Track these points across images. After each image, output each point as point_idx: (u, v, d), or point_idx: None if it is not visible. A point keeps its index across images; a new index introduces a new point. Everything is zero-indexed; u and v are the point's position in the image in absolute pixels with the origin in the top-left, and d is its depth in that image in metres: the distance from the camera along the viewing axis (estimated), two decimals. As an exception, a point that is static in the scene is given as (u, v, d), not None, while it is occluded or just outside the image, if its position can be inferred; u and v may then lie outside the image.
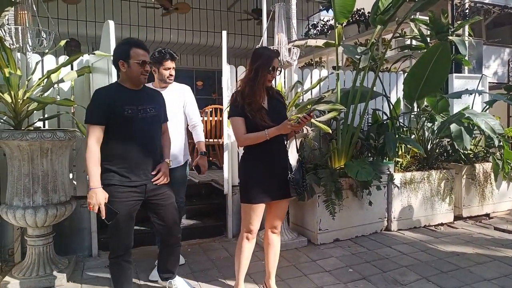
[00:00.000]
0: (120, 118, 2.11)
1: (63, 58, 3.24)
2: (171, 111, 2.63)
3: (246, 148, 2.28)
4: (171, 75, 2.81)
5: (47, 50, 3.05)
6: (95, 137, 2.09)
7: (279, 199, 2.30)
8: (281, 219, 2.41)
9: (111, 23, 2.94)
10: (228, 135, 3.81)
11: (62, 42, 3.07)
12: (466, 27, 5.14)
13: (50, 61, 3.25)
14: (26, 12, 2.89)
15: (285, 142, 2.32)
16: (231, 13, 7.67)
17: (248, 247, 2.32)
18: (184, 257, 3.16)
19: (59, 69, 2.96)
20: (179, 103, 2.90)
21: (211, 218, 4.09)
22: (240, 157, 2.49)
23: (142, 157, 2.18)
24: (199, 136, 3.00)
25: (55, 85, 3.08)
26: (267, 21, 3.97)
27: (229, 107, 2.27)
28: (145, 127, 2.19)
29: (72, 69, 3.25)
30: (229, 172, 3.80)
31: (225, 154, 3.80)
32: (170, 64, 2.80)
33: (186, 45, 7.59)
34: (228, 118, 2.27)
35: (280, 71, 2.30)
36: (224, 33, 3.60)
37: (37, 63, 2.98)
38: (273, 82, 2.42)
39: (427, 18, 4.63)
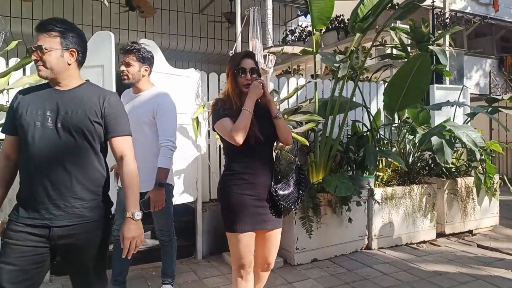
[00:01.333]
0: (21, 127, 1.62)
1: (14, 61, 3.14)
2: (137, 122, 2.41)
3: (225, 165, 2.12)
4: (122, 71, 2.56)
5: (-5, 51, 2.96)
6: (2, 150, 1.69)
7: (272, 228, 2.07)
8: (275, 253, 2.17)
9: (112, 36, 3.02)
10: (198, 146, 3.78)
11: (14, 43, 2.98)
12: (447, 37, 5.37)
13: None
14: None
15: (273, 155, 2.16)
16: (204, 16, 7.71)
17: (244, 287, 2.06)
18: (147, 281, 3.08)
19: (8, 74, 2.87)
20: (147, 113, 2.54)
21: (179, 238, 3.97)
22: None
23: (39, 183, 1.57)
24: (160, 160, 2.50)
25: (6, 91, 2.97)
26: (241, 26, 4.01)
27: (211, 115, 2.10)
28: (50, 140, 1.58)
29: (24, 73, 3.16)
30: (199, 187, 3.76)
31: (195, 167, 3.76)
32: (125, 58, 2.56)
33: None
34: (213, 127, 2.08)
35: (258, 73, 2.09)
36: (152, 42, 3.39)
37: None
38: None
39: (408, 26, 4.81)
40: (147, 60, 2.60)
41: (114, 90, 3.34)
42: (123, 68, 2.55)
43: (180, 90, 3.65)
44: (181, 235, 4.05)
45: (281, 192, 2.05)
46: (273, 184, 2.05)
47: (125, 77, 2.56)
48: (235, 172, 2.04)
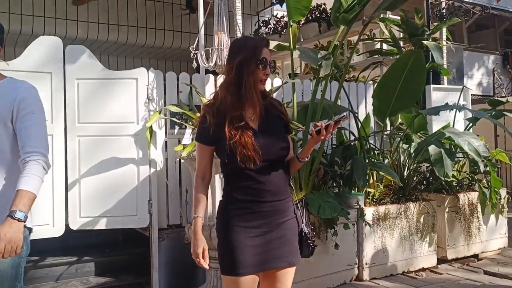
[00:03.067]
0: None
1: None
2: None
3: (223, 188, 2.04)
4: None
5: None
6: None
7: (281, 267, 1.96)
8: None
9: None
10: (152, 161, 3.74)
11: None
12: (444, 30, 5.55)
13: None
14: None
15: (287, 172, 2.04)
16: (159, 3, 7.67)
17: None
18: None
19: None
20: (3, 112, 1.94)
21: (130, 274, 3.95)
22: None
23: None
24: (26, 180, 1.85)
25: None
26: (204, 16, 4.02)
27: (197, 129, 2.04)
28: None
29: None
30: (154, 211, 3.71)
31: (146, 186, 3.71)
32: None
33: (99, 43, 7.44)
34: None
35: (274, 68, 2.04)
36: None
37: None
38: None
39: (399, 18, 4.94)
40: (3, 37, 2.04)
41: (63, 99, 3.56)
42: None
43: (123, 96, 3.69)
44: (133, 270, 3.99)
45: (308, 230, 2.04)
46: (303, 222, 2.03)
47: None
48: (235, 199, 1.95)
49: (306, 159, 1.99)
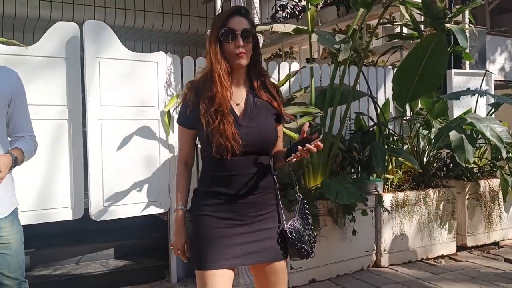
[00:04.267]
0: None
1: None
2: None
3: (200, 174, 1.88)
4: None
5: None
6: None
7: (262, 262, 1.79)
8: None
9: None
10: (171, 146, 3.75)
11: None
12: (467, 13, 5.43)
13: None
14: None
15: (269, 163, 1.84)
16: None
17: None
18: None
19: None
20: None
21: (149, 257, 4.00)
22: None
23: None
24: (24, 144, 2.09)
25: None
26: (221, 0, 3.99)
27: None
28: None
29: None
30: (173, 195, 3.73)
31: (166, 172, 3.73)
32: None
33: (117, 28, 7.46)
34: None
35: (254, 37, 1.75)
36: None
37: None
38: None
39: (420, 0, 4.83)
40: None
41: (80, 87, 3.43)
42: None
43: (144, 79, 3.65)
44: (152, 254, 4.04)
45: (291, 228, 1.80)
46: (284, 219, 1.83)
47: None
48: (209, 189, 1.79)
49: (293, 160, 1.71)
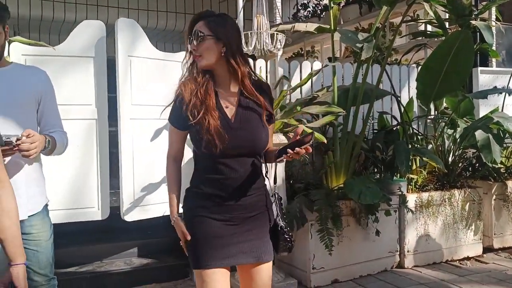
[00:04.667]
0: None
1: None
2: (12, 107, 2.02)
3: (192, 174, 1.93)
4: None
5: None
6: None
7: (248, 263, 1.84)
8: None
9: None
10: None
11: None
12: (493, 9, 5.32)
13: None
14: None
15: (261, 163, 1.89)
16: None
17: None
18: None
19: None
20: (29, 94, 2.08)
21: (172, 256, 4.02)
22: None
23: None
24: (60, 136, 2.17)
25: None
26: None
27: None
28: None
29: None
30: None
31: (189, 169, 3.75)
32: None
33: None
34: None
35: (205, 36, 1.74)
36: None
37: None
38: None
39: (445, -3, 4.77)
40: (6, 15, 2.03)
41: (106, 84, 3.41)
42: None
43: (171, 78, 3.63)
44: (175, 252, 4.06)
45: (284, 224, 1.87)
46: (279, 216, 1.87)
47: None
48: (201, 190, 1.83)
49: (284, 161, 1.79)
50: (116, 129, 3.45)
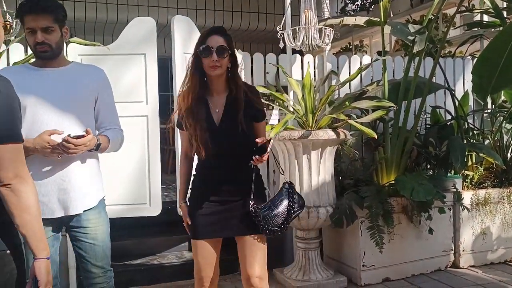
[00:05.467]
0: None
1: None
2: (72, 104, 2.12)
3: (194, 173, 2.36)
4: (38, 43, 2.01)
5: (13, 37, 3.14)
6: None
7: (240, 234, 2.21)
8: (258, 264, 2.23)
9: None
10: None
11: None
12: (556, -4, 5.05)
13: (17, 51, 3.35)
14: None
15: (247, 159, 2.09)
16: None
17: None
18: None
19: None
20: (88, 91, 2.17)
21: (223, 251, 4.06)
22: None
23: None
24: (113, 134, 2.22)
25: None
26: (290, -4, 3.99)
27: None
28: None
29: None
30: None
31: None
32: (31, 22, 2.00)
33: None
34: None
35: (228, 53, 2.09)
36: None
37: (0, 54, 3.07)
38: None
39: (503, -15, 4.58)
40: (64, 17, 2.12)
41: (156, 81, 3.48)
42: (40, 38, 2.00)
43: None
44: (224, 247, 4.12)
45: (262, 212, 2.13)
46: (252, 201, 2.13)
47: (47, 48, 2.04)
48: (196, 182, 2.27)
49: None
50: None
